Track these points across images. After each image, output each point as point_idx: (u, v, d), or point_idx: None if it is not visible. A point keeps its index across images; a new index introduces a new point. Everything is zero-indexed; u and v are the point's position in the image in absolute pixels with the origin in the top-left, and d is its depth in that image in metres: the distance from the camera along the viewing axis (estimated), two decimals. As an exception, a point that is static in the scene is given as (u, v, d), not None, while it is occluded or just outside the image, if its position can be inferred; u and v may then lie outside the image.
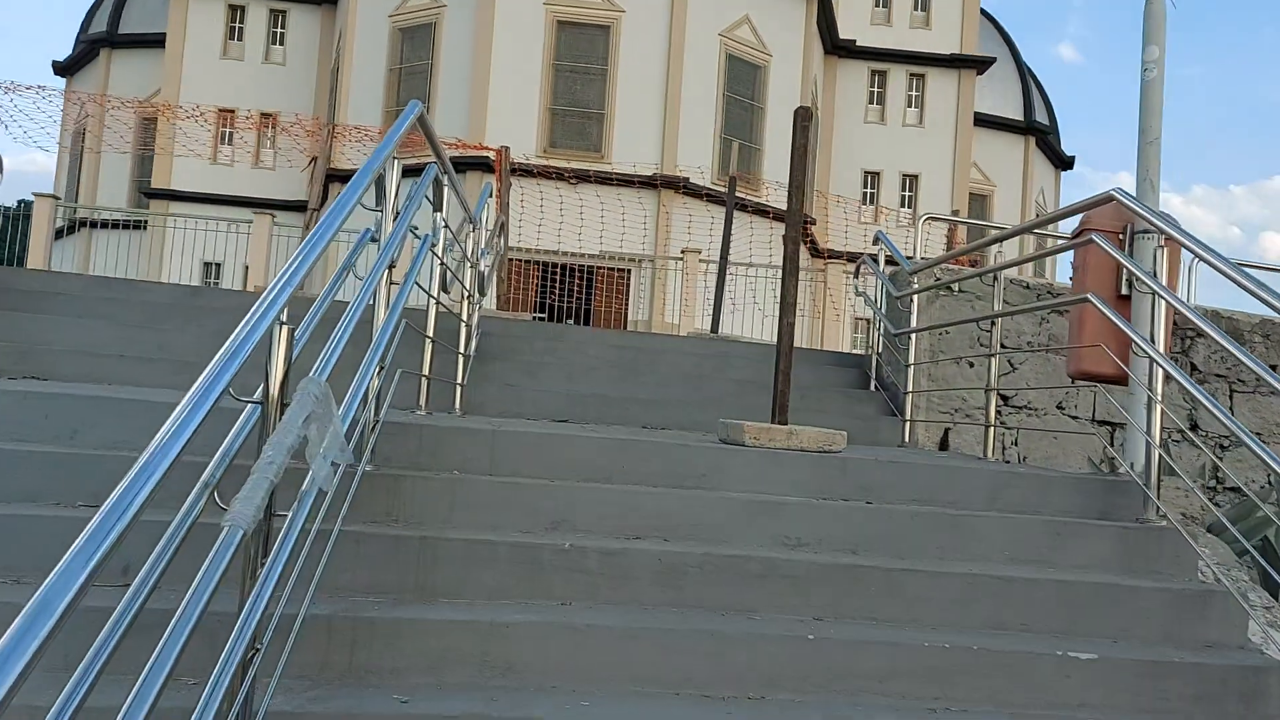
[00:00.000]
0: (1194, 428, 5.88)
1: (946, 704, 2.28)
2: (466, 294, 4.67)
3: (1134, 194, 3.41)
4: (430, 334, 3.77)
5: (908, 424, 5.08)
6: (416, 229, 3.25)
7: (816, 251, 19.43)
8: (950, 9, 23.76)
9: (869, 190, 23.39)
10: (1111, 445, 5.67)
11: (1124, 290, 3.53)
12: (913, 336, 5.11)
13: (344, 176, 16.10)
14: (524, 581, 2.41)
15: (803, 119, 3.35)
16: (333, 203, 2.44)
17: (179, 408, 1.56)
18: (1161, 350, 3.09)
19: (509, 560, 2.42)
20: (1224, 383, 5.93)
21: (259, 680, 1.82)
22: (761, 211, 17.96)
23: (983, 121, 24.54)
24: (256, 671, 1.77)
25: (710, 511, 2.77)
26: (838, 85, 23.26)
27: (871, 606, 2.48)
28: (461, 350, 4.60)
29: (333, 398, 1.81)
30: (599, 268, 16.07)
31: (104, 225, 19.50)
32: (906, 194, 23.56)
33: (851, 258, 15.12)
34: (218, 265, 16.97)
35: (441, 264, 3.81)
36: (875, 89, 23.75)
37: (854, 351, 14.53)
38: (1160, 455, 3.06)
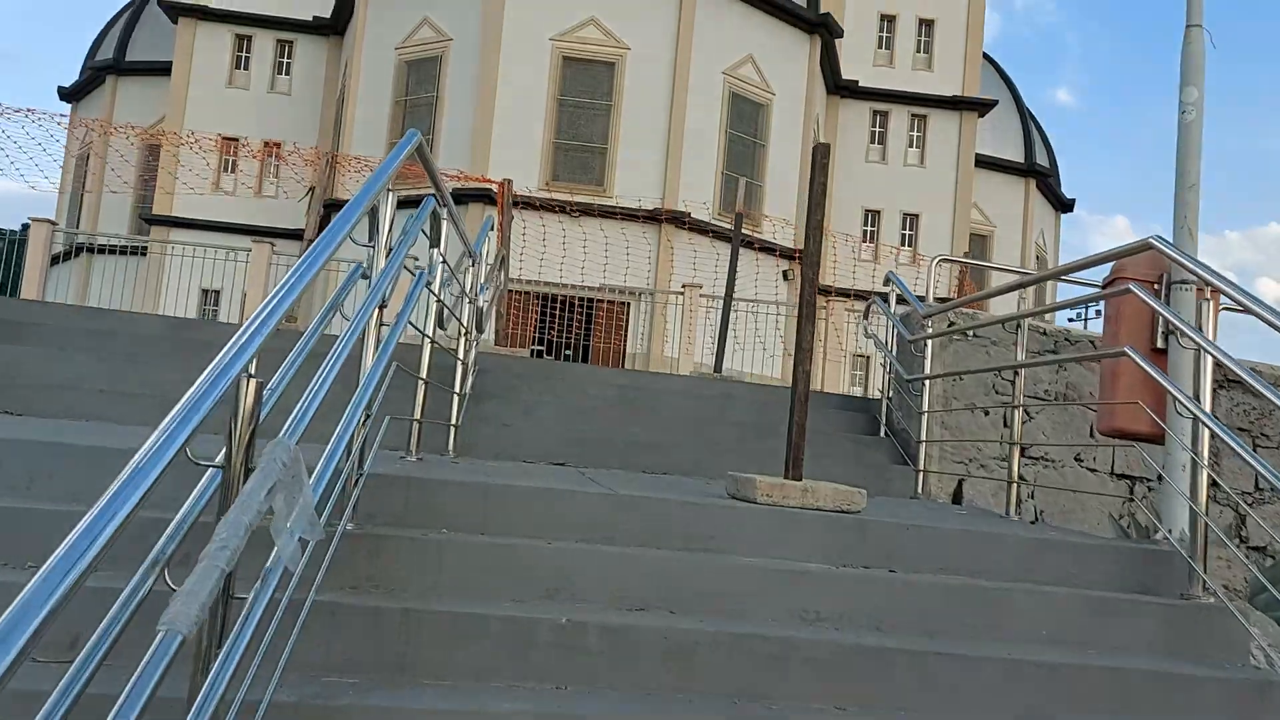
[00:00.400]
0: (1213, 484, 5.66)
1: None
2: (464, 331, 4.46)
3: (1171, 240, 3.23)
4: (424, 375, 3.56)
5: (921, 474, 4.85)
6: (418, 259, 3.06)
7: (823, 289, 19.31)
8: (952, 52, 23.91)
9: (869, 228, 23.34)
10: (1132, 499, 5.44)
11: (1159, 343, 3.34)
12: (926, 383, 4.90)
13: (343, 206, 15.96)
14: (516, 661, 2.17)
15: (821, 155, 3.17)
16: (320, 236, 2.24)
17: (124, 474, 1.34)
18: (1207, 409, 2.88)
19: (500, 636, 2.19)
20: (1247, 436, 5.71)
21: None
22: (763, 248, 17.87)
23: (983, 163, 24.59)
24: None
25: (721, 580, 2.53)
26: (840, 124, 23.32)
27: (900, 696, 2.23)
28: (457, 390, 4.38)
29: (303, 463, 1.59)
30: (599, 300, 15.92)
31: (104, 250, 19.38)
32: (907, 233, 23.52)
33: (860, 296, 15.00)
34: (216, 293, 16.82)
35: (438, 301, 3.61)
36: (877, 129, 23.82)
37: (854, 392, 14.34)
38: (1206, 523, 2.84)
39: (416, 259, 3.09)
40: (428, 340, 3.57)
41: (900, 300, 5.56)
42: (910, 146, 23.82)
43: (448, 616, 2.19)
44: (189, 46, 21.79)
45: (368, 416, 2.57)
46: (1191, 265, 3.07)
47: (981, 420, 5.39)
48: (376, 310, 2.61)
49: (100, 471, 2.51)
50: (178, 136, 16.47)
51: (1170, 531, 3.24)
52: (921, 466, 4.86)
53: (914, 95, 23.48)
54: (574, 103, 17.75)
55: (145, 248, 17.98)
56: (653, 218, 17.49)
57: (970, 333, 5.29)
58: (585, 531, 2.69)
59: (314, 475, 2.22)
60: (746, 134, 19.01)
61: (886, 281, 5.81)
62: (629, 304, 16.47)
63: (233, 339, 1.62)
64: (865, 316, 6.11)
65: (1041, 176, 26.62)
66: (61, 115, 14.50)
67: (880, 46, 23.89)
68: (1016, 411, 3.95)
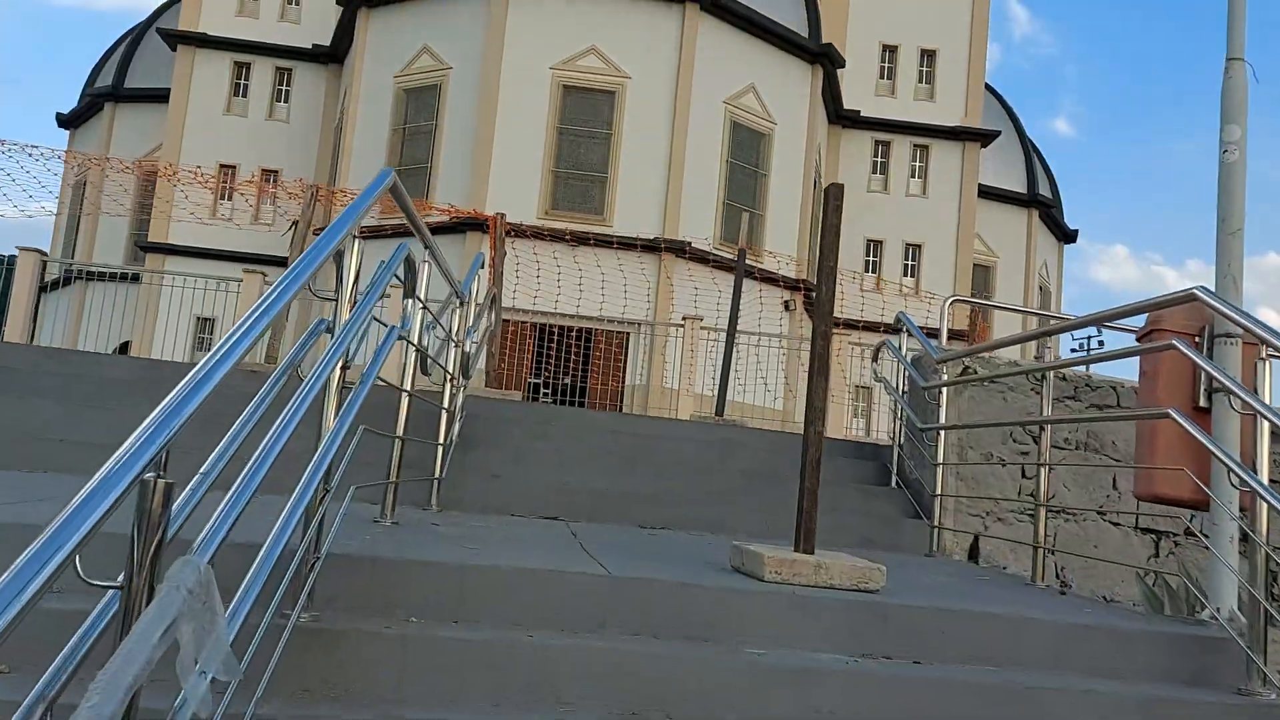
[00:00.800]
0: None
1: None
2: (449, 376, 4.18)
3: (1215, 290, 2.96)
4: (400, 433, 3.27)
5: (936, 530, 4.55)
6: (387, 295, 2.79)
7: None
8: (954, 82, 23.87)
9: (871, 259, 23.16)
10: (1157, 555, 5.14)
11: (1203, 401, 3.06)
12: (941, 433, 4.62)
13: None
14: (488, 787, 1.87)
15: (835, 197, 2.91)
16: (270, 287, 1.98)
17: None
18: (1264, 480, 2.60)
19: (469, 756, 1.89)
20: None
21: None
22: (765, 278, 17.64)
23: (986, 193, 24.46)
24: None
25: (725, 678, 2.24)
26: (841, 154, 23.21)
27: (935, 828, 1.93)
28: (441, 440, 4.09)
29: (215, 586, 1.30)
30: (597, 330, 15.66)
31: (99, 277, 19.18)
32: (909, 263, 23.34)
33: (867, 327, 14.72)
34: (210, 321, 16.60)
35: (416, 350, 3.33)
36: (879, 159, 23.71)
37: (856, 424, 14.00)
38: (1266, 609, 2.54)
39: (389, 295, 2.82)
40: (405, 394, 3.29)
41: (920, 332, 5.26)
42: (912, 177, 23.70)
43: (410, 732, 1.89)
44: (187, 74, 21.73)
45: (327, 491, 2.29)
46: (1239, 318, 2.80)
47: (999, 470, 5.10)
48: (339, 370, 2.33)
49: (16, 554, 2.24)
50: (173, 169, 16.31)
51: (1219, 611, 2.94)
52: (937, 522, 4.56)
53: (916, 125, 23.40)
54: (574, 131, 17.61)
55: (140, 274, 17.78)
56: (652, 247, 17.29)
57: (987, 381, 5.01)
58: (572, 618, 2.40)
59: (259, 559, 1.94)
60: (748, 163, 18.87)
61: (896, 321, 5.55)
62: (628, 334, 16.21)
63: (136, 431, 1.34)
64: (874, 359, 5.83)
65: (1044, 207, 26.50)
66: (58, 153, 14.26)
67: (882, 76, 23.84)
68: (1043, 470, 3.66)
